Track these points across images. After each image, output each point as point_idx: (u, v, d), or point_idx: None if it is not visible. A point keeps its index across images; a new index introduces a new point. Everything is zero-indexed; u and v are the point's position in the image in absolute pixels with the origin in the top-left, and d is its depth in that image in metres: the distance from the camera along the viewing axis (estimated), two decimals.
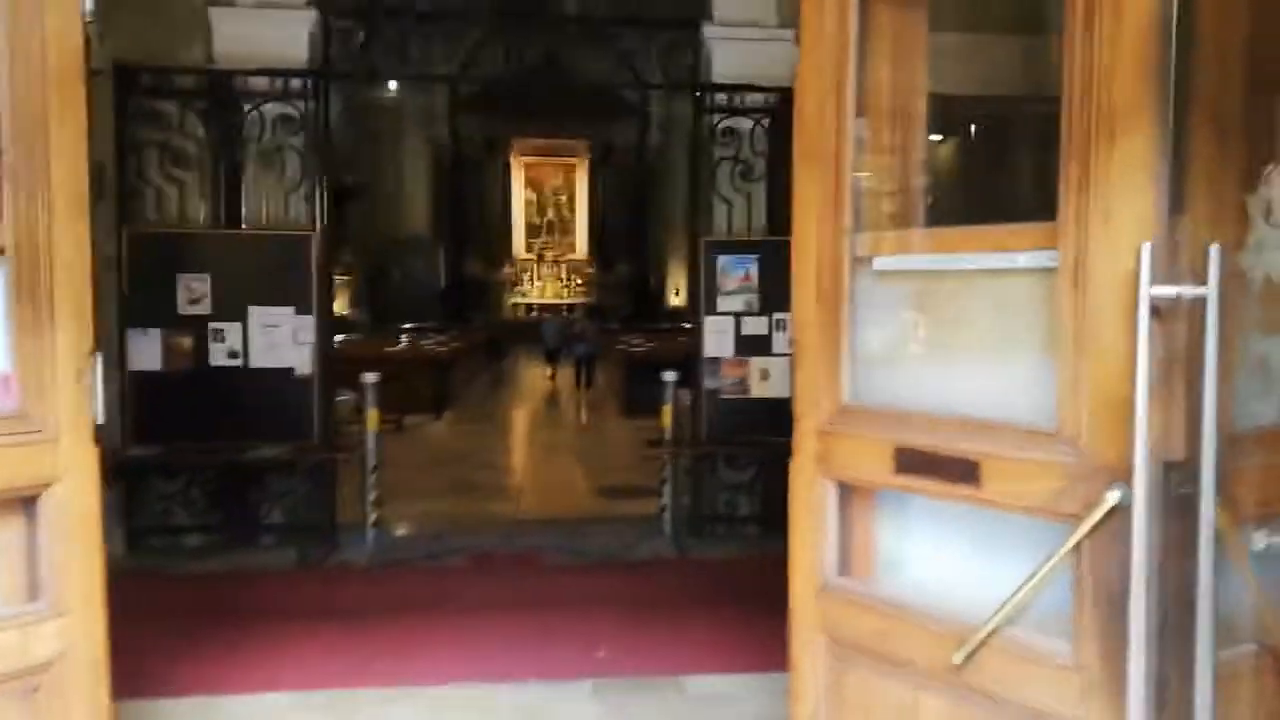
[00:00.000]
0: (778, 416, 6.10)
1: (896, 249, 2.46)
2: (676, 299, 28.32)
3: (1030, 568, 1.92)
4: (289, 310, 5.95)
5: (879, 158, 2.60)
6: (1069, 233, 1.87)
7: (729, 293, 6.15)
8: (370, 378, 6.20)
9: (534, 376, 18.50)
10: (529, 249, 30.58)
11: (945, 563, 2.40)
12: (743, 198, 6.18)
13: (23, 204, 1.96)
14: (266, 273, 5.97)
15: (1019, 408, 2.03)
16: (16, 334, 1.98)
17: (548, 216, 30.95)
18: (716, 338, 6.16)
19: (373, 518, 6.18)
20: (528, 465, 9.01)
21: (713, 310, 6.16)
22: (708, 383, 6.17)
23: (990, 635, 1.96)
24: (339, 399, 6.87)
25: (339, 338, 14.81)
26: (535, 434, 10.99)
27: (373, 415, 6.18)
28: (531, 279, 30.06)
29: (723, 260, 6.14)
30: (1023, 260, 2.06)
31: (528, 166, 30.89)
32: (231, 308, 5.90)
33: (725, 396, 6.18)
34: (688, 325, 22.10)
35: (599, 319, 19.54)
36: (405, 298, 26.43)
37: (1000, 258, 2.13)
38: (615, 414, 12.52)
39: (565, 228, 31.03)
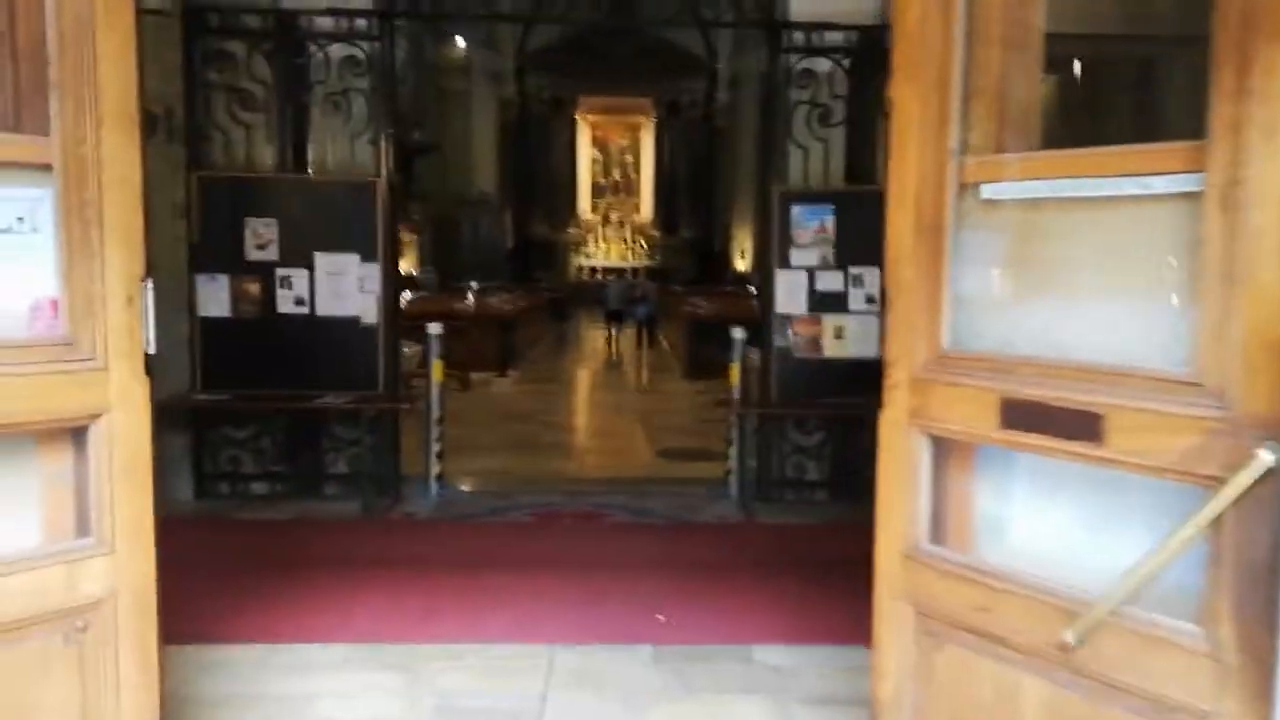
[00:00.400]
0: (852, 378, 5.87)
1: (1008, 174, 2.22)
2: (741, 262, 27.92)
3: (1156, 537, 1.71)
4: (355, 258, 5.89)
5: (986, 77, 2.35)
6: (1221, 150, 1.62)
7: (803, 246, 5.89)
8: (435, 329, 6.14)
9: (597, 337, 18.43)
10: (594, 209, 30.44)
11: (1056, 530, 2.19)
12: (820, 145, 5.89)
13: (70, 115, 1.86)
14: (332, 220, 5.92)
15: (1148, 354, 1.80)
16: (65, 256, 1.89)
17: (613, 176, 30.72)
18: (788, 293, 5.92)
19: (436, 471, 6.15)
20: (591, 425, 8.94)
21: (785, 264, 5.91)
22: (778, 341, 5.95)
23: (1109, 613, 1.75)
24: (405, 351, 6.85)
25: (406, 295, 14.94)
26: (598, 394, 10.91)
27: (437, 367, 6.12)
28: (596, 240, 29.95)
29: (797, 211, 5.87)
30: (1159, 185, 1.81)
31: (594, 125, 30.65)
32: (298, 254, 5.87)
33: (797, 356, 5.95)
34: (752, 289, 21.80)
35: (661, 281, 19.29)
36: (472, 257, 26.60)
37: (1131, 182, 1.88)
38: (678, 376, 12.36)
39: (630, 188, 30.77)
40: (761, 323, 6.11)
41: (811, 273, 5.90)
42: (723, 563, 4.89)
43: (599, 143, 30.76)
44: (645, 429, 8.58)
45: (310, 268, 5.89)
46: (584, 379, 12.52)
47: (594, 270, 29.21)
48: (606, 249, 29.75)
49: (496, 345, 11.14)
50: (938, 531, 2.35)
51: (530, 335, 14.70)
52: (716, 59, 29.99)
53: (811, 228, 5.88)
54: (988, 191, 2.26)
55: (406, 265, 22.27)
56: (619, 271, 21.83)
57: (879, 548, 2.50)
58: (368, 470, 5.94)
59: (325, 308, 5.91)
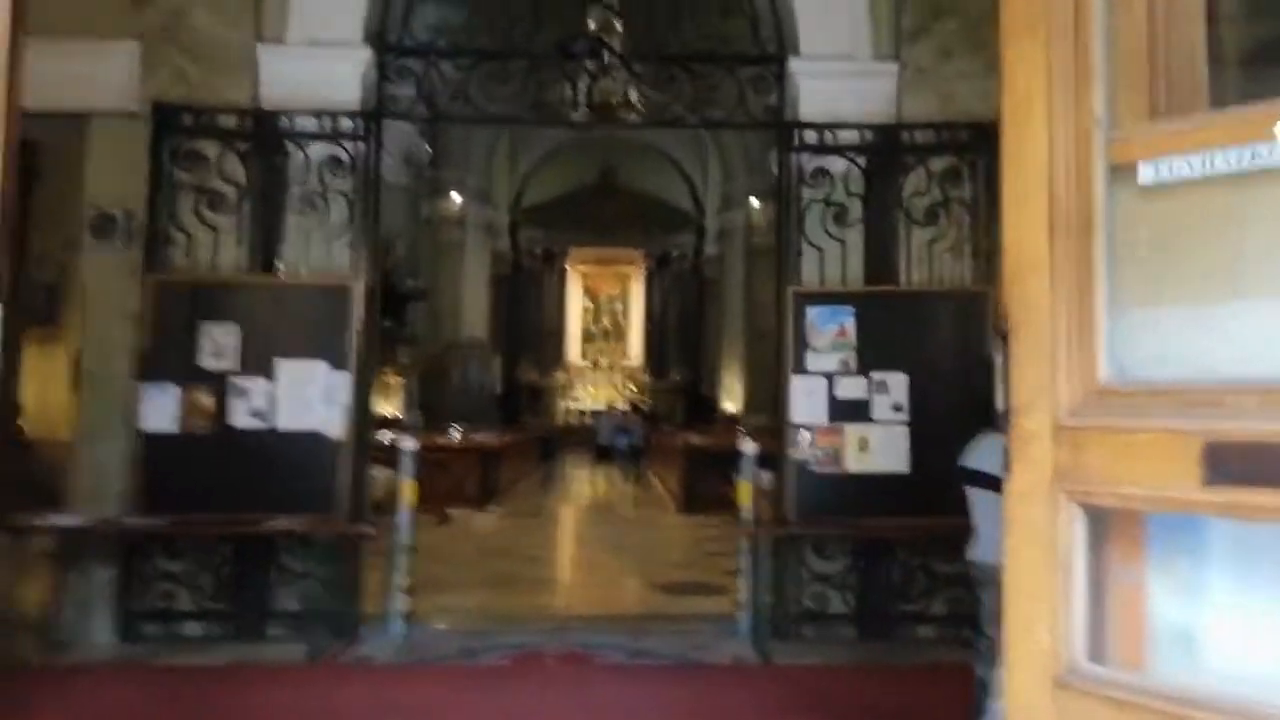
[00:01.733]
0: (878, 495, 5.08)
1: (1182, 145, 1.55)
2: (730, 404, 27.40)
3: None
4: (322, 365, 5.19)
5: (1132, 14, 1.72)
6: None
7: (821, 350, 5.24)
8: (409, 444, 5.36)
9: (585, 475, 17.54)
10: (584, 355, 30.13)
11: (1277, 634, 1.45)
12: (836, 245, 5.35)
13: None
14: (300, 325, 5.26)
15: None
16: None
17: (603, 324, 30.60)
18: (806, 401, 5.22)
19: (402, 608, 5.22)
20: (579, 560, 7.98)
21: (801, 369, 5.24)
22: (795, 454, 5.20)
23: None
24: (375, 475, 6.04)
25: (387, 436, 14.15)
26: (587, 529, 9.97)
27: (408, 488, 5.30)
28: (585, 385, 29.46)
29: (814, 313, 5.26)
30: None
31: (584, 275, 30.78)
32: (259, 362, 5.17)
33: (815, 470, 5.19)
34: (740, 429, 21.02)
35: (651, 423, 18.52)
36: (461, 401, 25.91)
37: None
38: (672, 512, 11.45)
39: (619, 334, 30.59)
40: (776, 435, 5.38)
41: (831, 379, 5.23)
42: (739, 714, 3.95)
43: (589, 292, 30.82)
44: (640, 564, 7.64)
45: (270, 376, 5.17)
46: (571, 514, 11.58)
47: (582, 413, 28.57)
48: (595, 393, 29.21)
49: (479, 479, 10.28)
50: (1098, 644, 1.57)
51: (515, 471, 13.81)
52: (704, 214, 30.61)
53: (830, 331, 5.25)
54: (1151, 172, 1.60)
55: (393, 408, 21.59)
56: (607, 409, 20.98)
57: (1012, 674, 1.69)
58: (320, 606, 5.01)
59: (286, 421, 5.15)
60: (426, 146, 22.39)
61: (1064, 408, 1.57)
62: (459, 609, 5.94)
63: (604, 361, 29.69)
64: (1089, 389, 1.54)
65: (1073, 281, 1.60)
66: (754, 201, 26.58)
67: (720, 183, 28.14)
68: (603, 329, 30.40)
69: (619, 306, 30.63)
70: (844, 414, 5.21)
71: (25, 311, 7.27)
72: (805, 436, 5.21)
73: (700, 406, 29.05)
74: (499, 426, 23.01)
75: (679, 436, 13.69)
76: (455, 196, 26.56)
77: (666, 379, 29.99)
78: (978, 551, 3.52)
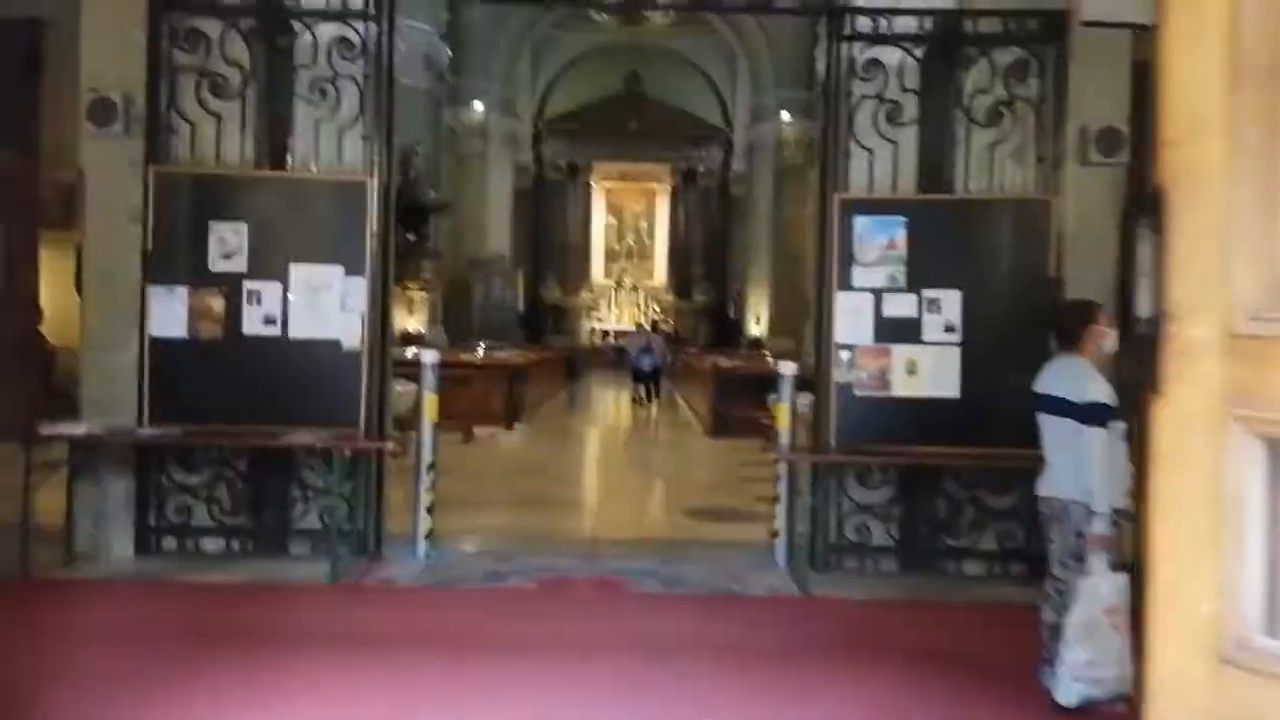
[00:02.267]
0: (926, 422, 4.74)
1: None
2: (756, 328, 27.00)
3: None
4: (338, 270, 4.88)
5: None
6: None
7: (869, 264, 4.85)
8: (430, 357, 5.07)
9: (612, 396, 17.35)
10: (608, 274, 29.68)
11: None
12: (888, 147, 4.90)
13: None
14: (314, 226, 4.93)
15: None
16: None
17: (627, 242, 30.04)
18: (851, 319, 4.85)
19: (425, 528, 5.01)
20: (607, 481, 7.78)
21: (847, 285, 4.86)
22: (838, 375, 4.86)
23: None
24: (398, 389, 5.78)
25: (410, 350, 13.94)
26: (615, 451, 9.77)
27: (430, 403, 5.04)
28: (609, 305, 29.10)
29: (862, 223, 4.85)
30: None
31: (609, 191, 30.10)
32: (271, 265, 4.86)
33: (860, 394, 4.85)
34: (766, 353, 20.70)
35: (673, 344, 18.01)
36: (484, 318, 25.73)
37: None
38: (700, 434, 11.22)
39: (645, 254, 30.05)
40: (816, 354, 5.05)
41: (879, 296, 4.85)
42: (780, 649, 3.72)
43: (614, 209, 30.18)
44: (671, 487, 7.42)
45: (284, 281, 4.87)
46: (597, 435, 11.38)
47: (606, 334, 28.30)
48: (619, 313, 28.87)
49: (504, 398, 10.06)
50: (1276, 614, 1.26)
51: (541, 391, 13.61)
52: (732, 128, 29.65)
53: (879, 243, 4.84)
54: None
55: (416, 323, 21.41)
56: (638, 328, 20.47)
57: (1155, 643, 1.39)
58: (342, 524, 4.81)
59: (300, 329, 4.87)
60: (447, 49, 21.62)
61: (1241, 309, 1.22)
62: (485, 529, 5.75)
63: (628, 281, 29.23)
64: (1276, 284, 1.20)
65: (1259, 145, 1.24)
66: (785, 115, 25.64)
67: (750, 95, 27.15)
68: (627, 247, 29.86)
69: (644, 224, 30.00)
70: (891, 334, 4.84)
71: (41, 213, 6.98)
72: (847, 357, 4.86)
73: (725, 329, 28.69)
74: (523, 344, 22.87)
75: (707, 359, 13.39)
76: (477, 105, 25.82)
77: (691, 300, 29.54)
78: (1048, 485, 3.21)
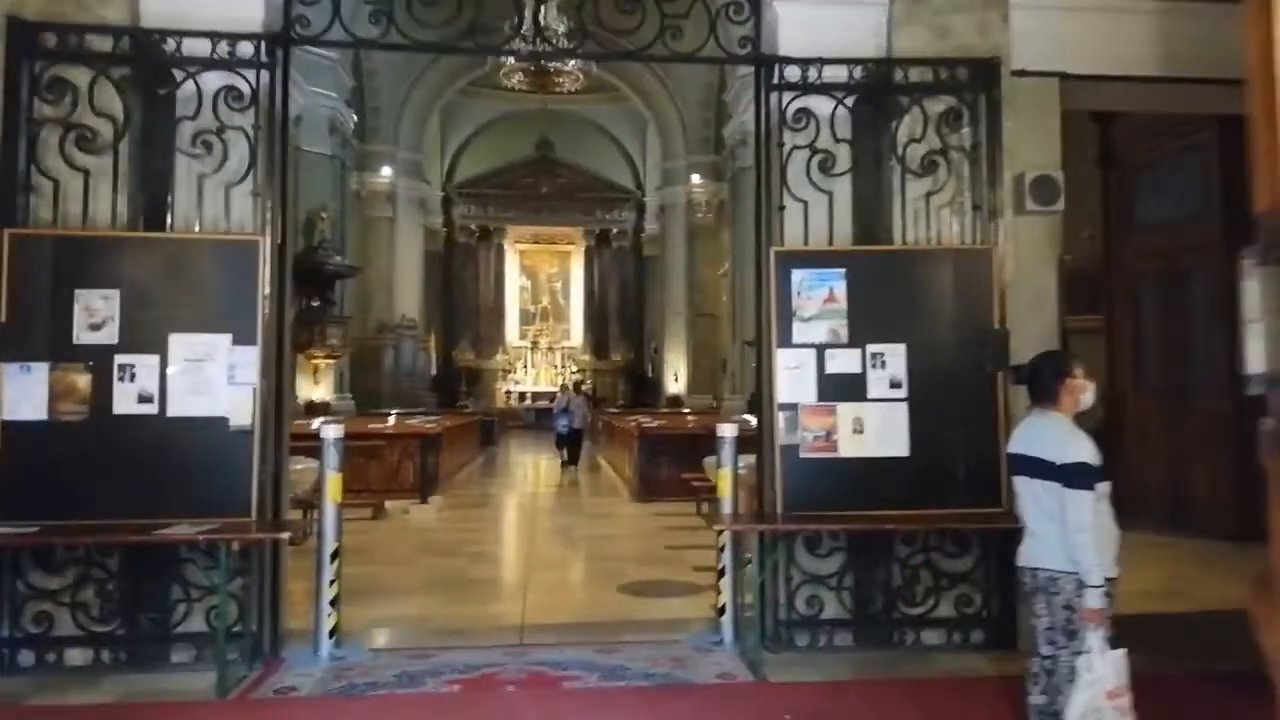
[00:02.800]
0: (876, 483, 4.44)
1: None
2: (675, 385, 26.83)
3: None
4: (224, 339, 4.34)
5: None
6: None
7: (809, 318, 4.58)
8: (333, 432, 4.53)
9: (530, 460, 16.73)
10: (523, 336, 29.20)
11: None
12: (822, 198, 4.68)
13: None
14: (198, 291, 4.38)
15: None
16: None
17: (542, 303, 29.68)
18: (793, 377, 4.55)
19: (330, 625, 4.42)
20: (532, 557, 7.19)
21: (787, 341, 4.57)
22: (781, 437, 4.53)
23: None
24: (297, 467, 5.21)
25: (317, 422, 13.11)
26: (538, 521, 9.19)
27: (334, 481, 4.48)
28: (526, 366, 28.56)
29: (800, 276, 4.59)
30: None
31: (522, 253, 29.79)
32: (147, 336, 4.29)
33: (805, 456, 4.53)
34: (685, 410, 20.35)
35: (591, 404, 17.40)
36: (395, 384, 24.80)
37: None
38: (627, 498, 10.77)
39: (560, 314, 29.74)
40: (758, 415, 4.72)
41: (821, 351, 4.57)
42: None
43: (528, 270, 29.86)
44: (601, 560, 6.91)
45: (163, 354, 4.29)
46: (518, 504, 10.78)
47: (523, 396, 27.69)
48: (536, 374, 28.34)
49: (416, 469, 9.42)
50: None
51: (456, 458, 12.95)
52: (644, 190, 29.83)
53: (819, 296, 4.59)
54: None
55: (323, 392, 20.41)
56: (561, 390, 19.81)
57: None
58: (232, 626, 4.18)
59: (181, 406, 4.30)
60: (353, 115, 21.11)
61: None
62: (399, 621, 5.16)
63: (544, 342, 28.78)
64: None
65: None
66: (695, 178, 25.92)
67: (660, 159, 27.40)
68: (542, 309, 29.45)
69: (559, 285, 29.70)
70: (836, 391, 4.56)
71: None
72: (788, 417, 4.54)
73: (644, 387, 28.41)
74: (436, 410, 22.05)
75: (629, 419, 13.00)
76: (385, 170, 25.30)
77: (609, 359, 29.24)
78: (1032, 555, 2.89)
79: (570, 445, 14.53)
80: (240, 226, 4.46)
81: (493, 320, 29.09)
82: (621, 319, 29.57)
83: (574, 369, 28.04)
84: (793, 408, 4.55)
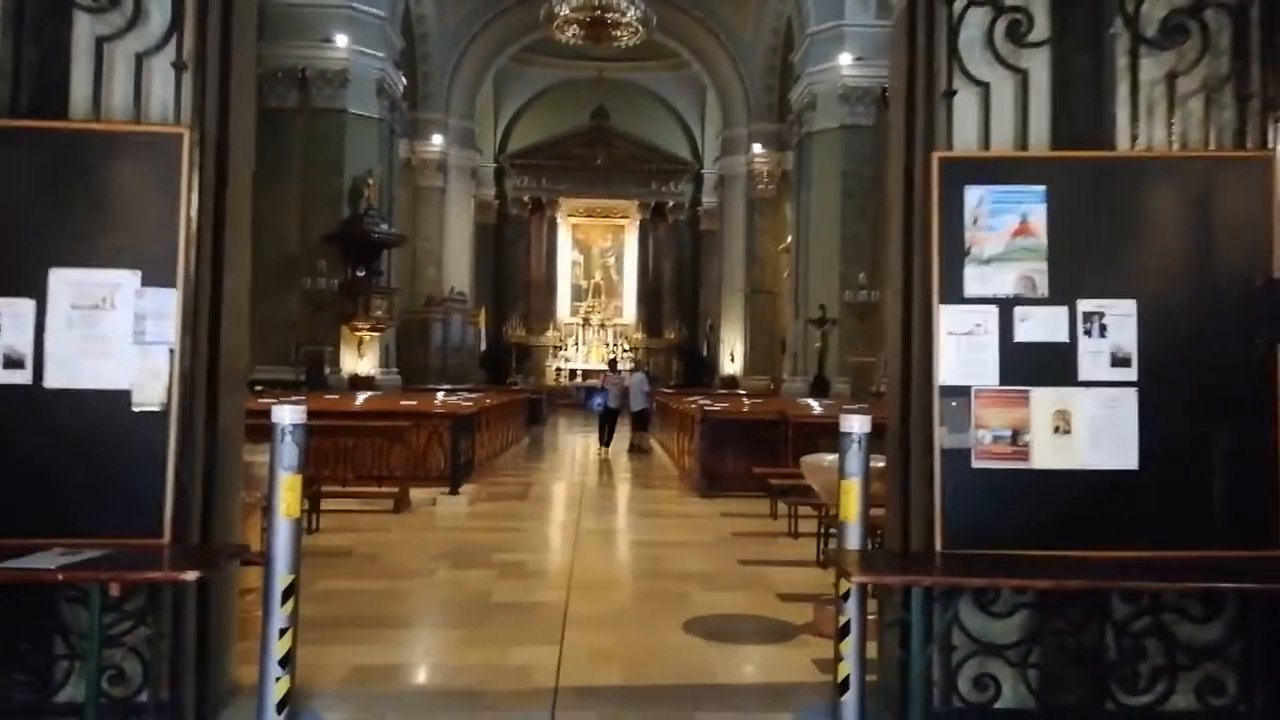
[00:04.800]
0: (1085, 508, 2.77)
1: None
2: (731, 365, 25.20)
3: None
4: (130, 277, 2.92)
5: None
6: None
7: (989, 259, 2.99)
8: (290, 415, 3.08)
9: (579, 444, 15.32)
10: (574, 312, 27.81)
11: None
12: (1008, 80, 3.07)
13: None
14: (93, 207, 2.96)
15: None
16: None
17: (594, 278, 28.23)
18: (962, 347, 2.98)
19: (279, 693, 2.99)
20: (576, 572, 5.66)
21: (956, 294, 2.99)
22: (944, 438, 2.96)
23: None
24: (257, 460, 3.80)
25: (360, 396, 11.82)
26: (585, 518, 7.73)
27: (289, 488, 3.04)
28: (576, 344, 27.17)
29: (977, 196, 2.99)
30: None
31: (575, 227, 28.37)
32: (18, 271, 2.89)
33: (980, 466, 2.96)
34: (742, 392, 18.76)
35: (650, 382, 15.77)
36: (442, 359, 23.66)
37: None
38: (688, 490, 9.26)
39: (613, 290, 28.27)
40: (902, 403, 3.15)
41: (1007, 309, 2.98)
42: None
43: (580, 244, 28.42)
44: (664, 582, 5.41)
45: (40, 297, 2.89)
46: (563, 495, 9.37)
47: (573, 374, 26.33)
48: (587, 351, 26.93)
49: (447, 454, 8.04)
50: None
51: (497, 440, 11.58)
52: (701, 162, 28.10)
53: (1005, 226, 2.99)
54: None
55: (368, 366, 19.27)
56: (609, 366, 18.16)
57: None
58: (136, 693, 2.79)
59: (66, 375, 2.89)
60: (402, 78, 19.77)
61: None
62: (391, 673, 3.72)
63: (596, 318, 27.35)
64: None
65: None
66: (757, 148, 24.13)
67: (721, 128, 25.63)
68: (594, 284, 28.01)
69: (612, 260, 28.22)
70: (1030, 370, 2.97)
71: None
72: (958, 408, 2.98)
73: (698, 367, 26.85)
74: (484, 387, 20.80)
75: (689, 401, 11.47)
76: (436, 139, 24.01)
77: (661, 337, 27.70)
78: None
79: (606, 423, 13.11)
80: (162, 116, 3.03)
81: (544, 295, 27.76)
82: (676, 295, 28.00)
83: (625, 346, 26.55)
84: (962, 394, 2.97)
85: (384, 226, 18.84)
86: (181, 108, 2.98)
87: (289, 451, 3.04)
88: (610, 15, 14.35)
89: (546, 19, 14.73)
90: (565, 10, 14.43)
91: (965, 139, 3.09)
